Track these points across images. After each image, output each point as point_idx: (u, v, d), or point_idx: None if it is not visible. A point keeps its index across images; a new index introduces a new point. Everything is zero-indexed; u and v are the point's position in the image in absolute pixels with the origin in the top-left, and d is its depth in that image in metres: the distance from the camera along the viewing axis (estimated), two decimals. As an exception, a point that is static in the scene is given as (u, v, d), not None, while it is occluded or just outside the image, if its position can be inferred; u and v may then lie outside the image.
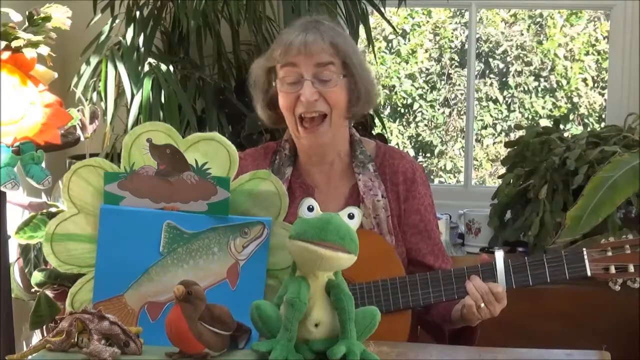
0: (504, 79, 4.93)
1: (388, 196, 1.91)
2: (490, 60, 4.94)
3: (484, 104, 4.90)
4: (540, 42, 4.88)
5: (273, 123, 1.95)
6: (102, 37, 2.68)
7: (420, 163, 4.95)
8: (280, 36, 1.90)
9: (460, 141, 4.83)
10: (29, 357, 1.35)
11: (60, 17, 1.61)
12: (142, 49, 2.63)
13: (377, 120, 2.96)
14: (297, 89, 1.83)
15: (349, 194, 1.93)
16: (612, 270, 1.76)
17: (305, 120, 1.84)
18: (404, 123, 5.03)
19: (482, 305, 1.75)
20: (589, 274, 1.77)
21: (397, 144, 4.93)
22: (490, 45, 4.92)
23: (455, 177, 4.90)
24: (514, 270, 1.78)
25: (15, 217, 2.11)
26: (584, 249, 1.78)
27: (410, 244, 1.93)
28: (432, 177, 4.96)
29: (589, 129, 4.39)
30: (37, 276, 2.00)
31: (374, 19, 3.73)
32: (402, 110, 5.01)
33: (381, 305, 1.76)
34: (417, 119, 5.01)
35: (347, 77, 1.86)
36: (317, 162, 1.94)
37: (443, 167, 4.96)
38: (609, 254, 1.77)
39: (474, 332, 1.90)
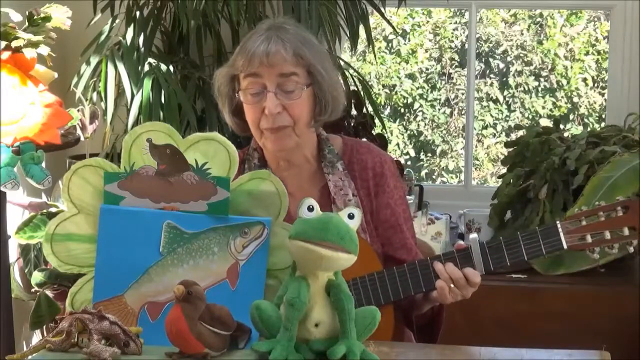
0: (504, 79, 4.92)
1: (359, 194, 1.89)
2: (491, 60, 4.93)
3: (485, 103, 4.90)
4: (540, 42, 4.87)
5: (241, 130, 1.91)
6: (102, 37, 2.68)
7: (422, 163, 4.96)
8: (243, 44, 1.83)
9: (462, 141, 4.83)
10: (29, 357, 1.35)
11: (60, 17, 1.62)
12: (142, 49, 2.63)
13: (377, 120, 2.96)
14: (261, 100, 1.79)
15: (320, 195, 1.89)
16: (589, 239, 1.70)
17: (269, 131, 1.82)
18: (405, 123, 5.02)
19: (452, 286, 1.73)
20: (565, 246, 1.71)
21: (398, 143, 4.93)
22: (490, 45, 4.91)
23: (457, 177, 4.90)
24: (490, 252, 1.74)
25: (15, 217, 2.11)
26: (558, 222, 1.72)
27: (382, 239, 1.90)
28: (433, 177, 4.95)
29: (589, 129, 4.39)
30: (37, 276, 2.00)
31: (374, 19, 3.72)
32: (402, 110, 5.01)
33: (362, 303, 1.75)
34: (417, 118, 5.01)
35: (313, 86, 1.82)
36: (286, 167, 1.90)
37: (445, 167, 4.96)
38: (583, 223, 1.71)
39: (439, 324, 1.91)
